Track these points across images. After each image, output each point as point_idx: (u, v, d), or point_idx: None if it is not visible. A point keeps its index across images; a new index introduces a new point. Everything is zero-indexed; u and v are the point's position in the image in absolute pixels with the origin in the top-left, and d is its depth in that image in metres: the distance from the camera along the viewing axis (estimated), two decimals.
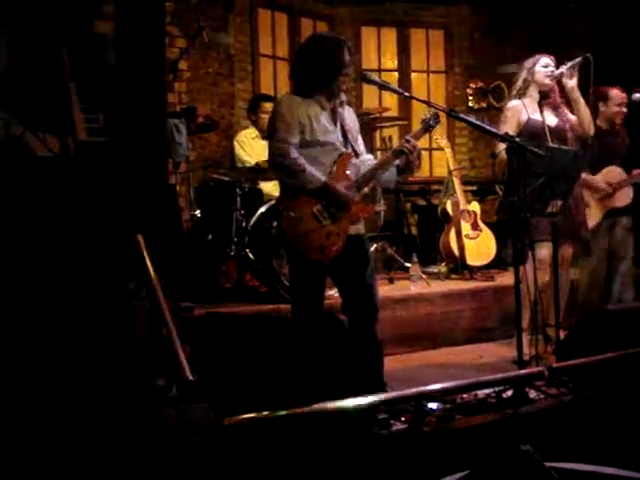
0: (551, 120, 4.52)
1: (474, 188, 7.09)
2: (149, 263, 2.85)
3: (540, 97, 4.55)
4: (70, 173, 3.24)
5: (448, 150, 6.64)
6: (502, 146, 4.46)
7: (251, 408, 2.33)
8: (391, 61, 8.27)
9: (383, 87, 3.85)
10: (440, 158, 7.70)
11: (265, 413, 2.32)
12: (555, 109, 4.58)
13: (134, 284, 3.23)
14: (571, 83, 4.42)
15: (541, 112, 4.51)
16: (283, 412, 2.34)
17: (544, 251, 4.27)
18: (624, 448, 2.64)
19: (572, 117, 4.53)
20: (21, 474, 2.08)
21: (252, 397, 2.49)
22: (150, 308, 2.77)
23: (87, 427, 2.28)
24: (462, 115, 4.00)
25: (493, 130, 3.95)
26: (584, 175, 4.80)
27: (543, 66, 4.54)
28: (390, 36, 8.21)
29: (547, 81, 4.51)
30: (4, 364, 2.57)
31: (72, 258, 3.05)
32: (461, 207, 6.32)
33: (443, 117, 3.73)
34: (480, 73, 7.96)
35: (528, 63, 4.60)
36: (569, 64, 4.40)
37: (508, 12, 8.02)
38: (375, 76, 3.84)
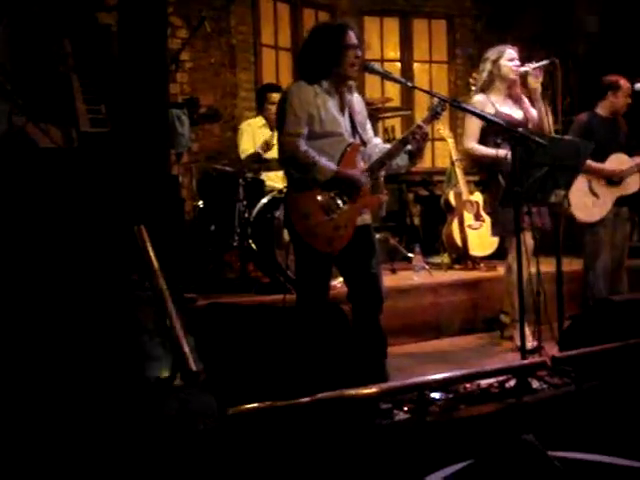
0: (517, 113, 4.57)
1: (477, 178, 7.08)
2: (152, 254, 2.85)
3: (506, 89, 4.61)
4: (73, 164, 3.24)
5: (451, 140, 6.63)
6: (472, 139, 4.55)
7: (255, 398, 2.33)
8: (393, 51, 8.26)
9: (386, 77, 3.85)
10: (443, 149, 7.70)
11: (269, 403, 2.33)
12: (517, 102, 4.63)
13: (137, 275, 3.24)
14: (535, 84, 4.47)
15: (509, 105, 4.60)
16: (287, 402, 2.35)
17: (528, 240, 4.30)
18: (627, 437, 2.65)
19: (533, 111, 4.58)
20: (22, 464, 2.09)
21: (256, 387, 2.50)
22: (153, 299, 2.77)
23: (91, 418, 2.29)
24: (465, 105, 3.99)
25: (496, 120, 3.95)
26: (590, 163, 4.83)
27: (509, 60, 4.57)
28: (392, 26, 8.19)
29: (511, 75, 4.56)
30: (5, 355, 2.58)
31: (75, 249, 3.05)
32: (464, 197, 6.32)
33: (446, 108, 3.72)
34: (481, 58, 7.94)
35: (492, 55, 4.62)
36: (535, 65, 4.44)
37: (510, 2, 8.00)
38: (378, 66, 3.83)
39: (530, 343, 4.55)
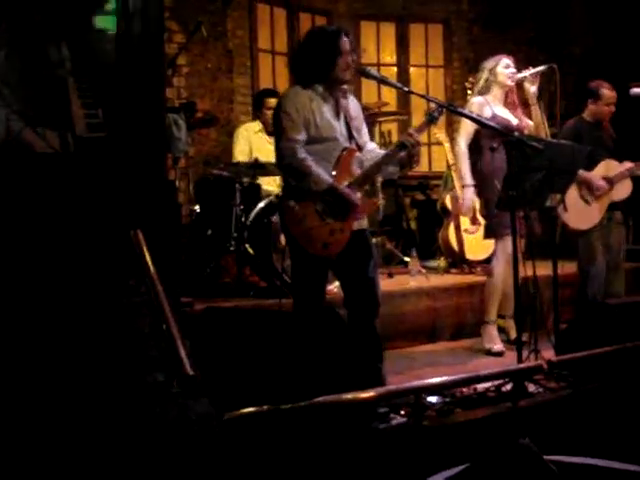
0: (513, 120, 4.64)
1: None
2: (149, 258, 2.85)
3: (503, 96, 4.71)
4: (69, 169, 3.24)
5: (447, 145, 6.64)
6: (464, 138, 4.61)
7: (252, 402, 2.34)
8: (390, 56, 8.27)
9: (382, 82, 3.85)
10: (439, 153, 7.70)
11: (265, 407, 2.33)
12: (513, 109, 4.72)
13: (134, 280, 3.23)
14: (532, 89, 4.55)
15: (505, 110, 4.68)
16: (283, 406, 2.35)
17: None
18: (623, 441, 2.65)
19: (529, 122, 4.66)
20: (19, 471, 2.09)
21: (253, 391, 2.50)
22: (150, 304, 2.77)
23: (87, 423, 2.28)
24: (461, 109, 4.00)
25: (492, 124, 3.96)
26: (581, 172, 4.85)
27: (504, 67, 4.68)
28: (389, 31, 8.21)
29: (508, 82, 4.66)
30: (3, 361, 2.57)
31: (71, 254, 3.05)
32: (460, 202, 6.32)
33: (442, 113, 3.74)
34: (479, 67, 7.97)
35: (489, 64, 4.74)
36: (533, 70, 4.52)
37: (507, 6, 8.02)
38: (374, 71, 3.84)
39: (497, 346, 4.63)
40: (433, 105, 3.70)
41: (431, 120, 3.64)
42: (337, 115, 3.63)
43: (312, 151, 3.52)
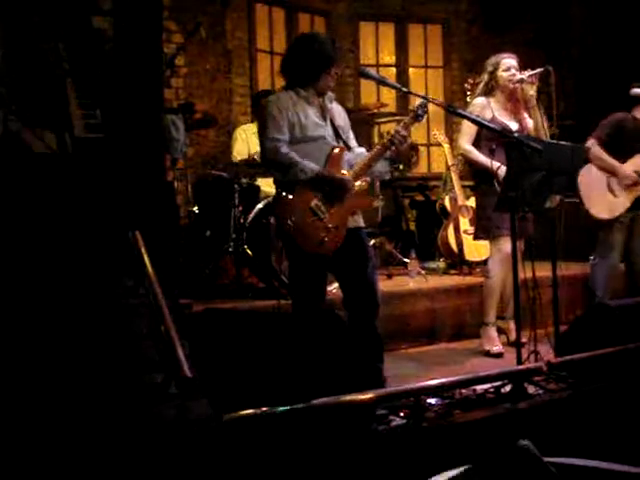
0: (513, 125, 4.61)
1: (472, 183, 7.08)
2: (147, 260, 2.84)
3: (506, 98, 4.66)
4: (67, 169, 3.22)
5: (446, 146, 6.64)
6: (466, 139, 4.58)
7: (250, 404, 2.33)
8: (389, 56, 8.28)
9: (381, 82, 3.86)
10: (438, 154, 7.70)
11: (264, 409, 2.32)
12: (516, 110, 4.67)
13: (132, 281, 3.22)
14: (531, 91, 4.51)
15: (507, 114, 4.64)
16: (282, 408, 2.34)
17: (510, 245, 4.25)
18: (622, 443, 2.64)
19: (530, 121, 4.62)
20: (18, 472, 2.08)
21: (251, 393, 2.49)
22: (148, 305, 2.76)
23: (85, 424, 2.28)
24: (460, 110, 4.00)
25: (491, 125, 3.96)
26: (612, 162, 4.87)
27: (505, 70, 4.62)
28: (388, 31, 8.21)
29: (510, 85, 4.60)
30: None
31: (69, 255, 3.04)
32: (459, 203, 6.32)
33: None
34: (478, 68, 7.97)
35: (489, 66, 4.69)
36: (530, 73, 4.49)
37: (506, 7, 8.03)
38: (373, 71, 3.84)
39: (496, 347, 4.61)
40: (418, 102, 3.68)
41: (416, 117, 3.64)
42: (324, 118, 3.67)
43: (300, 151, 3.57)
